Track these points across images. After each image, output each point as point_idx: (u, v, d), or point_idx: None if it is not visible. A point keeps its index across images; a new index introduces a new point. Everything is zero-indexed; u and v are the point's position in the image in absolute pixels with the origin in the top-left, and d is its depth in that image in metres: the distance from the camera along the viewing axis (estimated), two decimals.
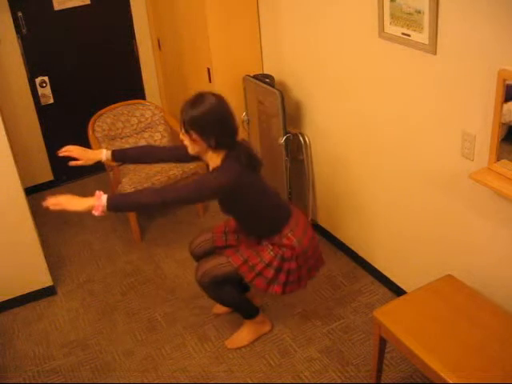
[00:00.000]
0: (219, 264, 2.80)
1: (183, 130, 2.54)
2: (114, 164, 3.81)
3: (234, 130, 2.55)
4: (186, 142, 2.56)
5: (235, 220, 2.88)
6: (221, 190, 2.51)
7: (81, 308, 3.47)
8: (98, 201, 2.46)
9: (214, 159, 2.57)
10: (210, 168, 2.61)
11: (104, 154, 2.86)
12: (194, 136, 2.50)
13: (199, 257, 3.01)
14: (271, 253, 2.73)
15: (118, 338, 3.22)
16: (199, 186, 2.52)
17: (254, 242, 2.85)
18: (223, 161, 2.53)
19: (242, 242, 2.92)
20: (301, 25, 3.32)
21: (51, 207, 2.49)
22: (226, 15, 3.64)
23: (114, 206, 2.50)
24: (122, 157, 2.91)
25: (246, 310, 3.03)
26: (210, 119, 2.47)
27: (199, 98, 2.49)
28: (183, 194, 2.51)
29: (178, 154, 2.84)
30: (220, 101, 2.51)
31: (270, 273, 2.73)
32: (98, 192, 2.50)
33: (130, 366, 3.03)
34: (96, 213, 2.47)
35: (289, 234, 2.71)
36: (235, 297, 2.96)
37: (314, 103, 3.46)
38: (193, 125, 2.48)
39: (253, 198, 2.63)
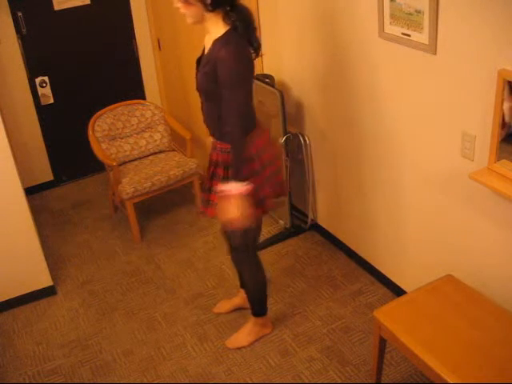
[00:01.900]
0: (232, 231, 2.76)
1: None
2: (114, 164, 3.82)
3: None
4: (182, 7, 2.44)
5: (206, 110, 2.67)
6: (247, 74, 2.46)
7: (81, 308, 3.47)
8: (236, 189, 2.47)
9: (213, 25, 2.45)
10: (211, 39, 2.47)
11: None
12: None
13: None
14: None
15: (118, 338, 3.22)
16: (234, 92, 2.42)
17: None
18: (226, 34, 2.40)
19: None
20: (301, 25, 3.31)
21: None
22: None
23: (240, 179, 2.49)
24: None
25: (262, 305, 3.02)
26: None
27: None
28: (238, 114, 2.45)
29: None
30: None
31: (266, 190, 2.66)
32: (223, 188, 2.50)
33: (129, 366, 3.04)
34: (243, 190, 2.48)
35: (253, 142, 2.60)
36: (265, 284, 2.96)
37: (314, 103, 3.46)
38: None
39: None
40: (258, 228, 2.84)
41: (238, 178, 2.48)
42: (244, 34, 2.44)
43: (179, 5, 2.43)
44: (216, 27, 2.44)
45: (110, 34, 4.59)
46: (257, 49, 2.54)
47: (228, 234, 2.87)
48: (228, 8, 2.42)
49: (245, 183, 2.48)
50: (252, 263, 2.90)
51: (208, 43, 2.50)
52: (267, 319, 3.11)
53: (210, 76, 2.46)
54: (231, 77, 2.40)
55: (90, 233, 4.16)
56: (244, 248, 2.84)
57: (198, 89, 2.60)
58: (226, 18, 2.42)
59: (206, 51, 2.52)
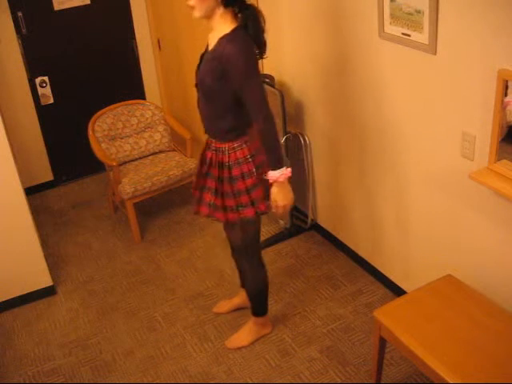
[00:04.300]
0: (232, 231, 2.80)
1: None
2: (114, 164, 3.82)
3: None
4: (194, 0, 2.39)
5: (203, 108, 2.63)
6: (256, 65, 2.41)
7: (81, 308, 3.47)
8: (283, 174, 2.52)
9: (221, 22, 2.42)
10: (216, 36, 2.44)
11: None
12: None
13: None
14: (243, 180, 2.63)
15: (118, 338, 3.22)
16: (252, 81, 2.40)
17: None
18: (233, 31, 2.38)
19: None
20: (301, 25, 3.32)
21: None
22: None
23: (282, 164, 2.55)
24: None
25: (263, 304, 3.02)
26: None
27: None
28: (265, 104, 2.44)
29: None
30: None
31: (261, 191, 2.66)
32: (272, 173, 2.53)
33: (129, 366, 3.04)
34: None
35: (249, 143, 2.61)
36: (266, 284, 2.96)
37: (314, 103, 3.46)
38: None
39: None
40: (258, 228, 2.84)
41: (281, 163, 2.52)
42: (252, 34, 2.42)
43: None
44: (224, 24, 2.41)
45: (110, 34, 4.59)
46: (262, 49, 2.52)
47: (229, 234, 2.88)
48: (240, 6, 2.41)
49: (285, 167, 2.52)
50: (253, 263, 2.89)
51: (212, 40, 2.47)
52: (267, 319, 3.11)
53: (214, 73, 2.43)
54: (247, 67, 2.38)
55: (90, 233, 4.16)
56: (244, 248, 2.84)
57: (199, 85, 2.57)
58: (236, 15, 2.41)
59: (210, 48, 2.50)
